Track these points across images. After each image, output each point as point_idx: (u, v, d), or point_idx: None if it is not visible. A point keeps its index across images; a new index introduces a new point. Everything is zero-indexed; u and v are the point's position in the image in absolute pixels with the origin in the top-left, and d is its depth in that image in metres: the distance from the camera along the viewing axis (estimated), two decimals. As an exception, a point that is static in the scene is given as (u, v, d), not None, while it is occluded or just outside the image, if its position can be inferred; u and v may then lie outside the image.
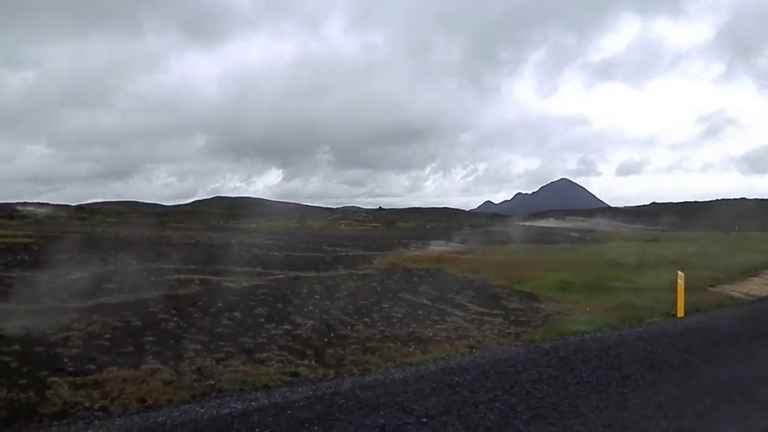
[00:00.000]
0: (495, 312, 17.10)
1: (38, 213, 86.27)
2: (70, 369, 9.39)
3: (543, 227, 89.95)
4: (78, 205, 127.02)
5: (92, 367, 9.54)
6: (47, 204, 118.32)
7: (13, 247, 27.11)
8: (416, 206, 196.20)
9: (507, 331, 14.38)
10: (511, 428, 5.10)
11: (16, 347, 10.37)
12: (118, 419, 5.53)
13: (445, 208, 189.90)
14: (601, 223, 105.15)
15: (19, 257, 23.55)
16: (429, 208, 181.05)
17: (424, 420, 5.23)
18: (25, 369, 9.22)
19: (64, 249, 27.12)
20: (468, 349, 10.28)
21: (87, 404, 7.66)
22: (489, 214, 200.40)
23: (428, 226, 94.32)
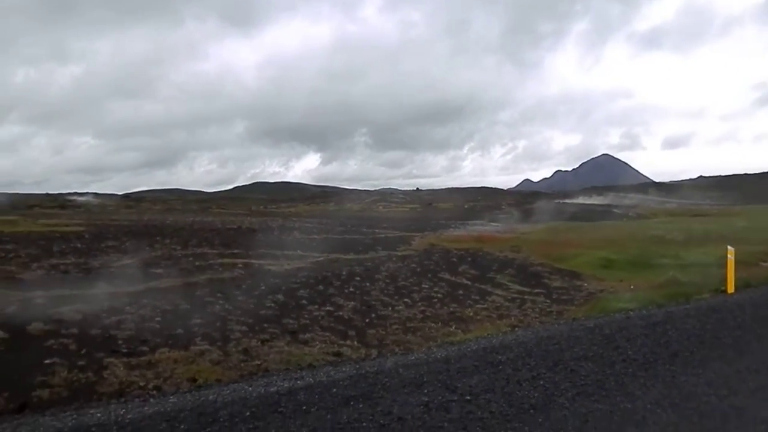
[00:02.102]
0: (536, 291, 16.93)
1: (88, 202, 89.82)
2: (125, 350, 9.81)
3: (584, 204, 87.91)
4: (124, 194, 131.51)
5: (145, 348, 9.95)
6: (96, 193, 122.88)
7: (66, 235, 28.29)
8: (454, 186, 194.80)
9: (549, 309, 14.23)
10: (555, 405, 5.07)
11: (74, 330, 10.89)
12: (171, 397, 5.74)
13: (483, 187, 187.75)
14: (645, 199, 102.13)
15: (72, 245, 24.56)
16: (467, 188, 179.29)
17: (468, 398, 5.25)
18: (83, 351, 9.68)
19: (113, 236, 28.16)
20: (510, 328, 10.22)
21: (142, 384, 8.01)
22: (528, 192, 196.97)
23: (466, 206, 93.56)
